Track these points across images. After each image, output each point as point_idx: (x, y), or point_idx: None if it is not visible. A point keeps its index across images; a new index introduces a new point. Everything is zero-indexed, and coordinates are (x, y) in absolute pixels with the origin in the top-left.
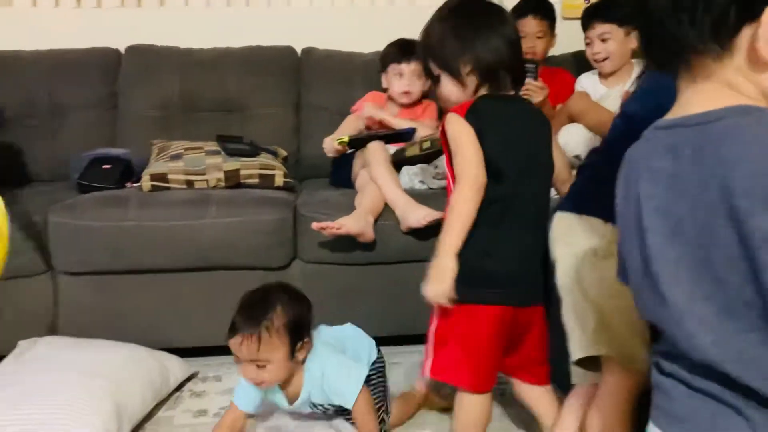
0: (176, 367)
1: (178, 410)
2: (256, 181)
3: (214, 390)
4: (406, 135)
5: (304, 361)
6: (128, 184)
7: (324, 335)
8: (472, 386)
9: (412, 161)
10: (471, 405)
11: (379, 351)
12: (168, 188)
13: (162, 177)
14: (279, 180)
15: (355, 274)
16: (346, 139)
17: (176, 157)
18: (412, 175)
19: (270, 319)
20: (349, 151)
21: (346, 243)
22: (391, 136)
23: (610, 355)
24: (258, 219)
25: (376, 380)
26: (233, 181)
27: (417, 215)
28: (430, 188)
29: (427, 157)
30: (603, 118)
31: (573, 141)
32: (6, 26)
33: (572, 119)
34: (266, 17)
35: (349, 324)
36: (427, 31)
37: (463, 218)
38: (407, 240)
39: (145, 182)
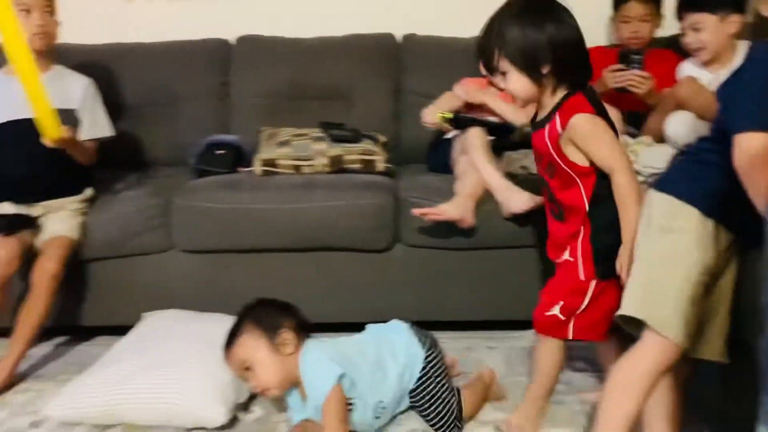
0: None
1: None
2: (358, 166)
3: None
4: (507, 130)
5: (292, 357)
6: (240, 169)
7: (342, 342)
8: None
9: (514, 147)
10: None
11: (430, 348)
12: (277, 173)
13: (272, 162)
14: (380, 165)
15: (454, 259)
16: (450, 115)
17: (284, 143)
18: (513, 161)
19: (239, 328)
20: (450, 135)
21: (447, 228)
22: (495, 127)
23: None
24: (361, 203)
25: (431, 376)
26: (337, 166)
27: (519, 200)
28: (531, 174)
29: (529, 143)
30: (711, 103)
31: (682, 132)
32: (127, 20)
33: (679, 106)
34: (366, 4)
35: (394, 321)
36: (500, 27)
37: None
38: (507, 226)
39: (257, 167)
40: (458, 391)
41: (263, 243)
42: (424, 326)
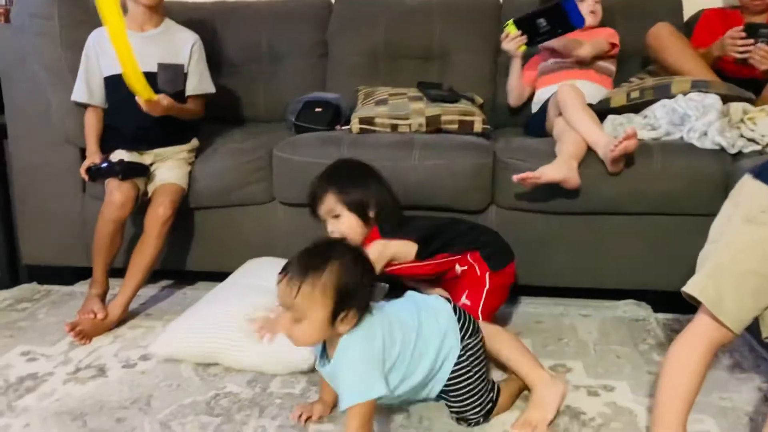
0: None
1: None
2: (455, 126)
3: None
4: (571, 16)
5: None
6: (337, 127)
7: (392, 312)
8: None
9: (618, 111)
10: None
11: (470, 329)
12: (374, 131)
13: (369, 120)
14: (478, 126)
15: (552, 223)
16: (510, 22)
17: (381, 102)
18: (617, 125)
19: (320, 270)
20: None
21: (546, 191)
22: (551, 9)
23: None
24: (459, 163)
25: (469, 365)
26: (434, 126)
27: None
28: (638, 139)
29: (634, 107)
30: None
31: None
32: None
33: None
34: None
35: (436, 297)
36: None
37: None
38: (611, 191)
39: (354, 125)
40: (497, 386)
41: None
42: (515, 290)
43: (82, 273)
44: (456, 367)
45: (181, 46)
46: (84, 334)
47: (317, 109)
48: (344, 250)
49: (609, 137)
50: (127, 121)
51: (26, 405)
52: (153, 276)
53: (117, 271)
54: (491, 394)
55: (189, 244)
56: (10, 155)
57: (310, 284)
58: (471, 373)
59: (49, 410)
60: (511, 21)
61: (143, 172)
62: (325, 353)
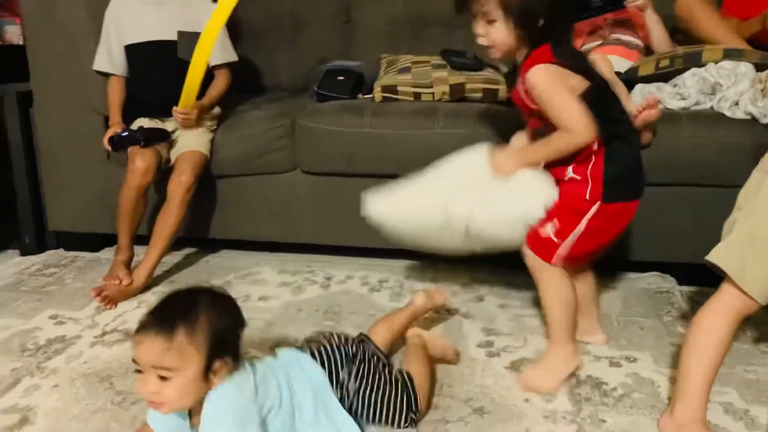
0: None
1: None
2: (479, 95)
3: None
4: None
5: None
6: (359, 95)
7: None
8: None
9: (646, 80)
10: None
11: (341, 363)
12: (397, 100)
13: (392, 89)
14: (502, 94)
15: None
16: None
17: (404, 70)
18: (646, 94)
19: (189, 320)
20: None
21: None
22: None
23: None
24: (482, 132)
25: (356, 396)
26: (458, 94)
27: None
28: (666, 108)
29: (664, 76)
30: None
31: None
32: None
33: None
34: None
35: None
36: None
37: None
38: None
39: (377, 93)
40: (405, 377)
41: (384, 169)
42: None
43: (108, 240)
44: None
45: (201, 14)
46: (110, 300)
47: (339, 78)
48: (211, 297)
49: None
50: (148, 89)
51: (55, 366)
52: (177, 244)
53: (141, 239)
54: (403, 396)
55: (212, 212)
56: (35, 123)
57: (179, 336)
58: (366, 401)
59: (77, 372)
60: None
61: (165, 137)
62: (189, 420)
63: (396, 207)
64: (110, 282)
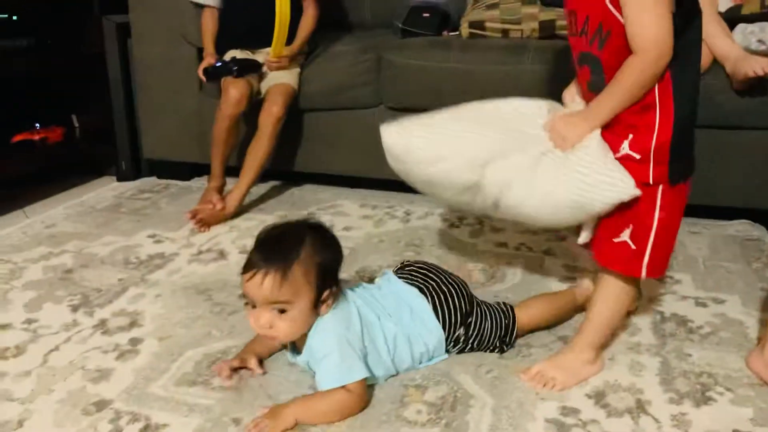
0: None
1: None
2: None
3: (511, 229)
4: None
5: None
6: (444, 32)
7: (361, 292)
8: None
9: (749, 19)
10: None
11: (440, 309)
12: (484, 36)
13: (480, 25)
14: None
15: None
16: None
17: (492, 6)
18: (748, 34)
19: (299, 253)
20: None
21: None
22: None
23: None
24: (571, 68)
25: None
26: (547, 32)
27: (756, 63)
28: None
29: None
30: None
31: None
32: None
33: None
34: None
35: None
36: None
37: None
38: (734, 104)
39: (464, 29)
40: (505, 309)
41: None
42: None
43: (197, 170)
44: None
45: None
46: (204, 222)
47: (425, 14)
48: (313, 230)
49: (739, 50)
50: (241, 20)
51: (157, 279)
52: (262, 176)
53: (231, 170)
54: (503, 321)
55: (297, 146)
56: (133, 53)
57: (292, 270)
58: (472, 341)
59: (177, 284)
60: None
61: (257, 68)
62: (293, 345)
63: (421, 150)
64: (204, 206)
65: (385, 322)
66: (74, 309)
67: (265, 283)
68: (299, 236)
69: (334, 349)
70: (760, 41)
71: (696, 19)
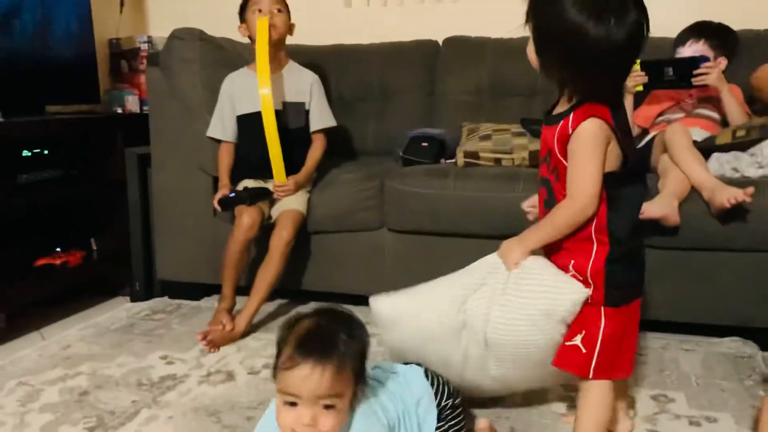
0: None
1: None
2: None
3: None
4: (695, 61)
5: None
6: (442, 160)
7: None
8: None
9: (723, 149)
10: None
11: (449, 393)
12: (478, 164)
13: (474, 154)
14: None
15: (655, 258)
16: (638, 60)
17: (485, 137)
18: (723, 163)
19: (343, 346)
20: (650, 136)
21: (649, 226)
22: (684, 62)
23: None
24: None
25: (447, 424)
26: (536, 161)
27: (729, 193)
28: (744, 176)
29: (740, 145)
30: None
31: None
32: (347, 23)
33: None
34: None
35: (402, 365)
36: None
37: None
38: (713, 227)
39: (460, 158)
40: None
41: (467, 228)
42: None
43: (207, 290)
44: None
45: (303, 83)
46: (213, 343)
47: (423, 144)
48: (345, 319)
49: (715, 180)
50: (254, 153)
51: (168, 400)
52: (270, 295)
53: (240, 289)
54: None
55: (305, 266)
56: (152, 181)
57: (344, 362)
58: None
59: (187, 406)
60: (639, 59)
61: (267, 195)
62: None
63: (408, 306)
64: (214, 327)
65: (407, 418)
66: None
67: (323, 378)
68: (335, 328)
69: None
70: (734, 169)
71: (633, 180)
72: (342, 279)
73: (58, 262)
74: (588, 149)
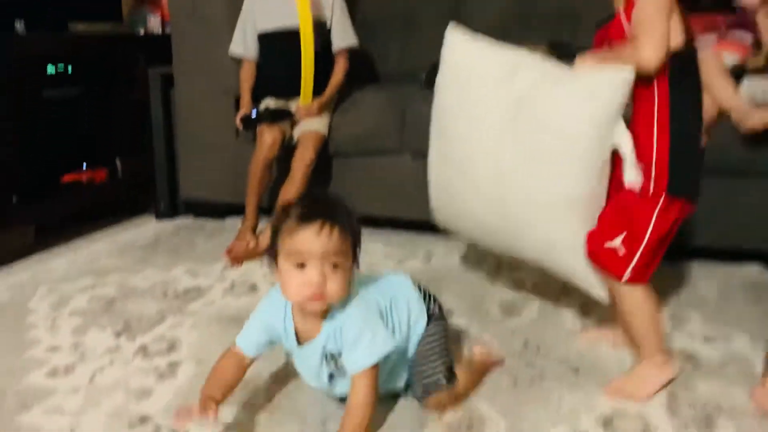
0: None
1: None
2: None
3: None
4: None
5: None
6: None
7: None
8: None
9: (755, 72)
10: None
11: (439, 309)
12: None
13: None
14: None
15: None
16: None
17: None
18: (754, 86)
19: (347, 214)
20: None
21: None
22: None
23: None
24: None
25: (432, 339)
26: None
27: (758, 116)
28: None
29: None
30: None
31: None
32: None
33: None
34: None
35: (394, 274)
36: None
37: None
38: (738, 151)
39: None
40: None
41: None
42: None
43: (231, 210)
44: (424, 335)
45: (325, 4)
46: (237, 259)
47: None
48: (337, 198)
49: (745, 102)
50: (276, 72)
51: (193, 310)
52: None
53: (263, 210)
54: (450, 363)
55: (326, 190)
56: (175, 102)
57: (344, 226)
58: (436, 340)
59: (212, 315)
60: None
61: (289, 115)
62: (293, 336)
63: (474, 50)
64: (238, 244)
65: (393, 313)
66: (117, 335)
67: (332, 235)
68: (337, 200)
69: (361, 324)
70: (765, 91)
71: (695, 67)
72: (363, 204)
73: (84, 178)
74: (653, 7)
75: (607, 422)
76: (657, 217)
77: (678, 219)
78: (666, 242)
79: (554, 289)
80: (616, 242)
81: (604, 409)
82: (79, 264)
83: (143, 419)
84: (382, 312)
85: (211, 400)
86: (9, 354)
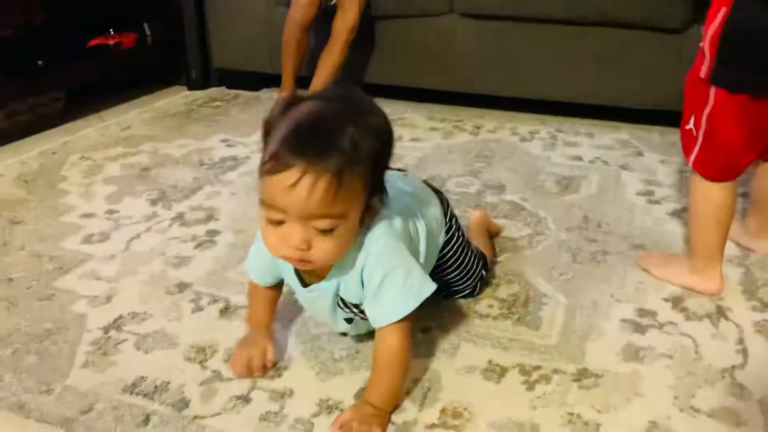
0: None
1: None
2: None
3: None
4: None
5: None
6: None
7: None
8: None
9: None
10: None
11: (448, 205)
12: None
13: None
14: None
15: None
16: None
17: None
18: None
19: (350, 144)
20: None
21: None
22: None
23: None
24: None
25: (456, 238)
26: None
27: None
28: None
29: None
30: None
31: None
32: None
33: None
34: None
35: (410, 177)
36: None
37: None
38: None
39: None
40: (480, 254)
41: (550, 13)
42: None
43: (266, 81)
44: (447, 246)
45: None
46: None
47: None
48: (359, 107)
49: None
50: None
51: (230, 179)
52: None
53: (302, 80)
54: (481, 263)
55: (368, 58)
56: None
57: (342, 171)
58: (460, 250)
59: (249, 184)
60: None
61: None
62: (298, 274)
63: None
64: None
65: (420, 221)
66: (153, 203)
67: (315, 193)
68: (343, 118)
69: (397, 264)
70: None
71: None
72: (408, 72)
73: (111, 42)
74: None
75: (676, 301)
76: (711, 110)
77: (740, 118)
78: (726, 140)
79: (614, 165)
80: (690, 124)
81: (674, 289)
82: (111, 132)
83: (182, 286)
84: (413, 237)
85: (263, 327)
86: (43, 218)
